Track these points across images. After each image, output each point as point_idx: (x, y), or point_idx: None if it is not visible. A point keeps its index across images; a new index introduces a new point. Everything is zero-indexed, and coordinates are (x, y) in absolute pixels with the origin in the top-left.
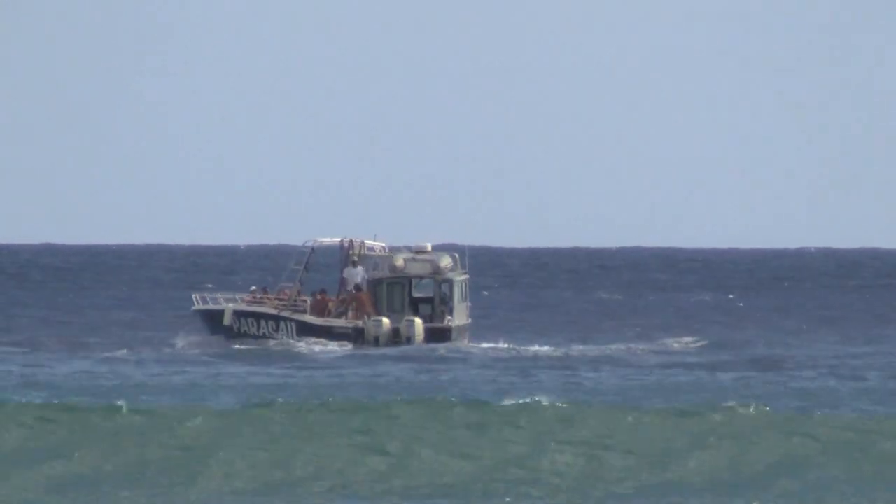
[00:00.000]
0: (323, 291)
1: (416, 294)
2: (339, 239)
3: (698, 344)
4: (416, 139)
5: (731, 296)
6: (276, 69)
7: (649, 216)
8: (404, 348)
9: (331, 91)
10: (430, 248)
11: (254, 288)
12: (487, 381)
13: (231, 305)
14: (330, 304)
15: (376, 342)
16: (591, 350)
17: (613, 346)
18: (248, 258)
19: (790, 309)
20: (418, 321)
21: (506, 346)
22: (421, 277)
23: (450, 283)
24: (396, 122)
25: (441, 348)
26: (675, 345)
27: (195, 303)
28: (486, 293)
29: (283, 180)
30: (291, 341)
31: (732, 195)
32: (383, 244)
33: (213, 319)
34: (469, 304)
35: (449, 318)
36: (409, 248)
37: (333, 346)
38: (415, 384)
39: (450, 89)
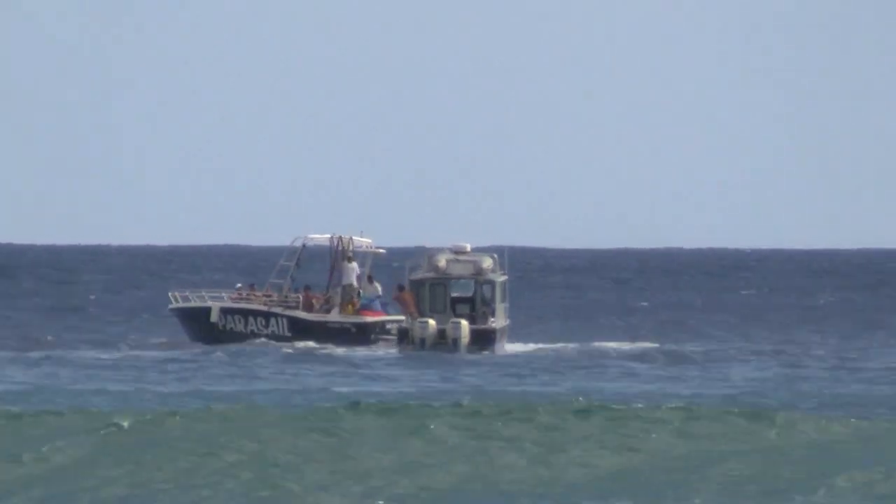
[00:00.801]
0: (307, 288)
1: (453, 294)
2: (328, 236)
3: None
4: (413, 139)
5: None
6: (272, 69)
7: (648, 217)
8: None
9: (326, 91)
10: (469, 249)
11: (239, 285)
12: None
13: (217, 303)
14: (315, 301)
15: (422, 344)
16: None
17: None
18: (217, 258)
19: None
20: (464, 323)
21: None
22: (463, 278)
23: (492, 283)
24: (389, 121)
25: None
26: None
27: (172, 301)
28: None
29: (267, 180)
30: (318, 344)
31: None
32: (370, 240)
33: (195, 318)
34: (507, 304)
35: (492, 319)
36: (449, 249)
37: (380, 350)
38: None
39: (449, 89)
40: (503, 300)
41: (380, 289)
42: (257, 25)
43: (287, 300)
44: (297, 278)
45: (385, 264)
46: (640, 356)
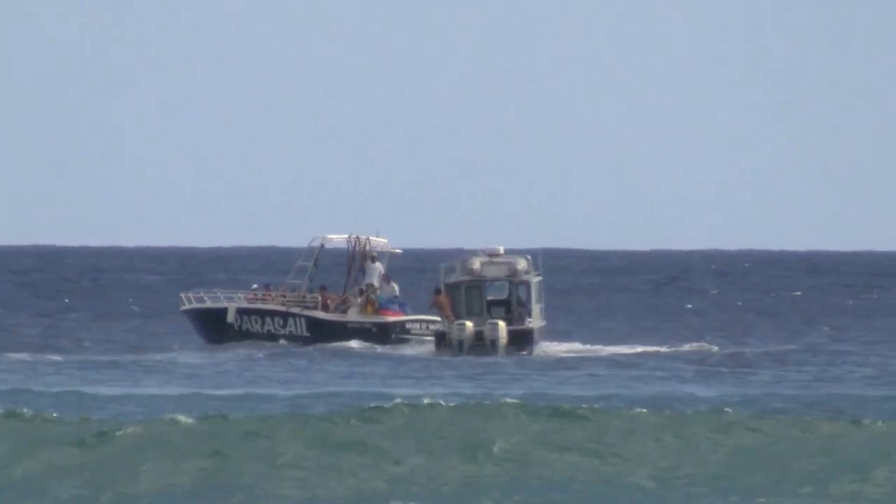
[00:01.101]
0: (323, 288)
1: (488, 297)
2: (346, 236)
3: None
4: (415, 139)
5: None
6: (273, 69)
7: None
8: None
9: (326, 90)
10: (502, 251)
11: (255, 286)
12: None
13: (233, 303)
14: (330, 301)
15: (460, 346)
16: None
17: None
18: (236, 259)
19: None
20: (502, 324)
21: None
22: (498, 280)
23: (527, 285)
24: (390, 121)
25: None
26: None
27: (184, 302)
28: None
29: (267, 181)
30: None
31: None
32: (386, 241)
33: (210, 318)
34: (542, 305)
35: (529, 319)
36: (482, 252)
37: (417, 351)
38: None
39: (449, 89)
40: (539, 301)
41: (397, 289)
42: (257, 25)
43: (305, 300)
44: (314, 278)
45: (399, 265)
46: (710, 359)
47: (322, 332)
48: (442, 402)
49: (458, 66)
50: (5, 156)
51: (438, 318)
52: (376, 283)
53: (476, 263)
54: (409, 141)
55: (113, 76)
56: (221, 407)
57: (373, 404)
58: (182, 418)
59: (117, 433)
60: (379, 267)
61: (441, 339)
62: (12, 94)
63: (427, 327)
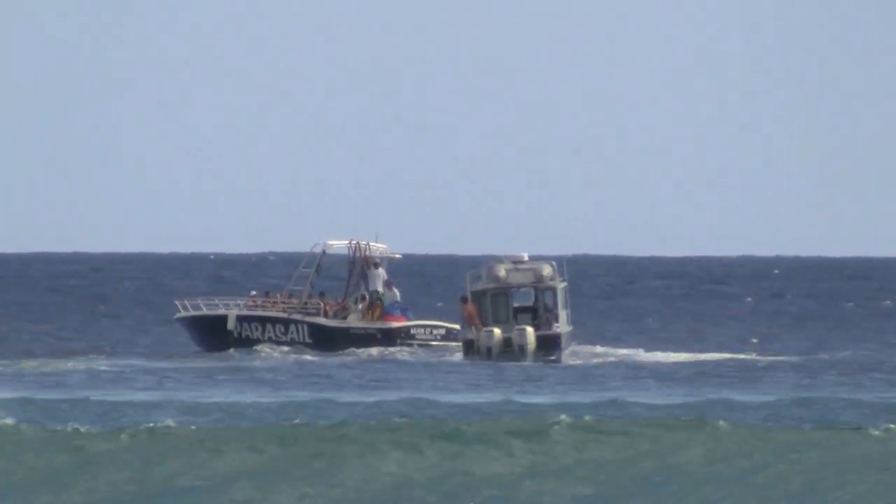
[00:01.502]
0: (322, 294)
1: (514, 304)
2: (346, 242)
3: None
4: (416, 140)
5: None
6: (272, 70)
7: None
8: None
9: (328, 92)
10: (527, 258)
11: (254, 293)
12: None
13: (233, 310)
14: (328, 308)
15: (488, 353)
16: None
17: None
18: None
19: None
20: (530, 329)
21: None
22: (523, 287)
23: (553, 290)
24: (393, 123)
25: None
26: None
27: (181, 310)
28: None
29: (267, 183)
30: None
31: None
32: (385, 246)
33: (209, 326)
34: (569, 311)
35: (556, 325)
36: (507, 259)
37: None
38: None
39: (451, 90)
40: (565, 307)
41: (398, 294)
42: (258, 25)
43: (307, 307)
44: (315, 285)
45: (397, 269)
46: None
47: (325, 338)
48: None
49: (461, 67)
50: (6, 157)
51: (445, 324)
52: (381, 288)
53: (501, 270)
54: (410, 143)
55: (113, 76)
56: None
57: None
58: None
59: None
60: (382, 273)
61: (469, 346)
62: (12, 94)
63: (431, 332)
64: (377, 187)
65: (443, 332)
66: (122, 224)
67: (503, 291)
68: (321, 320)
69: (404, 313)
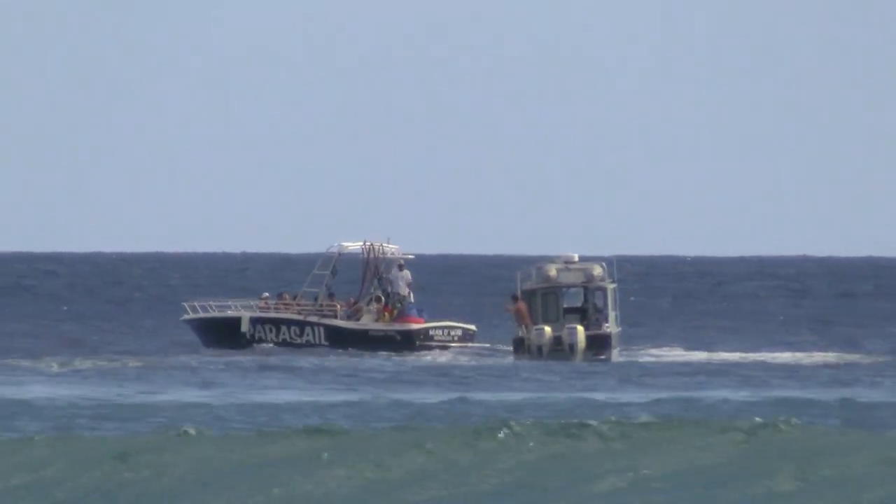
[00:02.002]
0: (331, 296)
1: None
2: (360, 244)
3: None
4: (410, 142)
5: None
6: (272, 71)
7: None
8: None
9: (328, 92)
10: (577, 258)
11: (266, 294)
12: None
13: (247, 312)
14: (339, 308)
15: (539, 351)
16: None
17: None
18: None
19: None
20: (580, 328)
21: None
22: (574, 286)
23: (603, 291)
24: (401, 122)
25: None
26: None
27: (188, 311)
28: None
29: (263, 186)
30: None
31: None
32: (397, 247)
33: (222, 327)
34: (617, 312)
35: (606, 325)
36: (559, 258)
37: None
38: None
39: (452, 89)
40: (614, 308)
41: (412, 296)
42: (258, 27)
43: (322, 309)
44: (331, 287)
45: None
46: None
47: (342, 341)
48: None
49: (462, 67)
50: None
51: (462, 325)
52: (404, 291)
53: (552, 270)
54: (418, 143)
55: (113, 76)
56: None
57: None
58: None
59: None
60: (407, 275)
61: (519, 344)
62: (12, 94)
63: (448, 333)
64: (386, 188)
65: (459, 332)
66: (129, 222)
67: (553, 291)
68: (338, 322)
69: (420, 314)
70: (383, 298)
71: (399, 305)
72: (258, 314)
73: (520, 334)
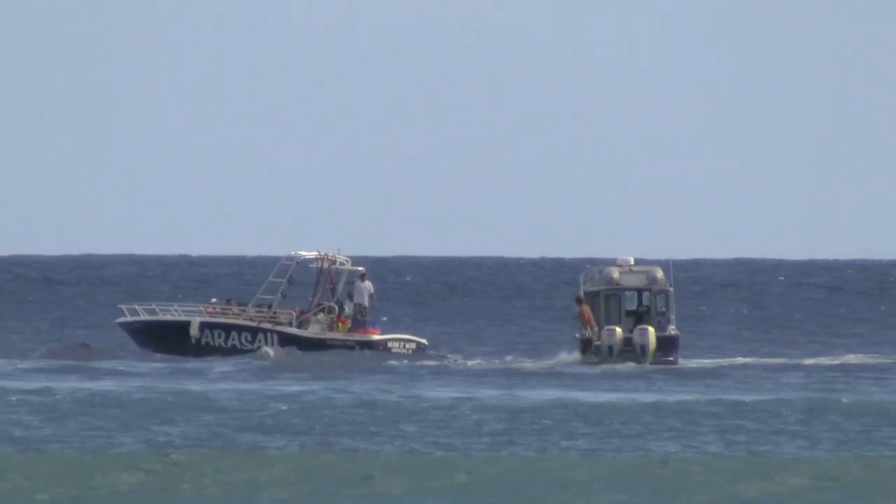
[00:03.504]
0: (270, 306)
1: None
2: (315, 253)
3: None
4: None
5: None
6: (269, 74)
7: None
8: None
9: (333, 95)
10: (632, 261)
11: (214, 300)
12: None
13: (197, 317)
14: (283, 318)
15: (609, 352)
16: None
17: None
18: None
19: None
20: (651, 329)
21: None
22: (637, 290)
23: (666, 294)
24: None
25: None
26: None
27: (126, 314)
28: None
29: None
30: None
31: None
32: (347, 258)
33: (168, 332)
34: (674, 316)
35: (671, 327)
36: (618, 262)
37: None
38: None
39: (444, 92)
40: (672, 311)
41: (368, 309)
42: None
43: (276, 316)
44: (287, 294)
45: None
46: None
47: (297, 349)
48: None
49: (458, 68)
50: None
51: (415, 338)
52: (366, 302)
53: (615, 273)
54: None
55: (113, 76)
56: None
57: None
58: None
59: None
60: (369, 286)
61: (587, 345)
62: (12, 95)
63: (404, 346)
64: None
65: (413, 346)
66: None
67: (616, 293)
68: (293, 330)
69: (374, 325)
70: (336, 308)
71: (361, 317)
72: (209, 319)
73: (587, 335)
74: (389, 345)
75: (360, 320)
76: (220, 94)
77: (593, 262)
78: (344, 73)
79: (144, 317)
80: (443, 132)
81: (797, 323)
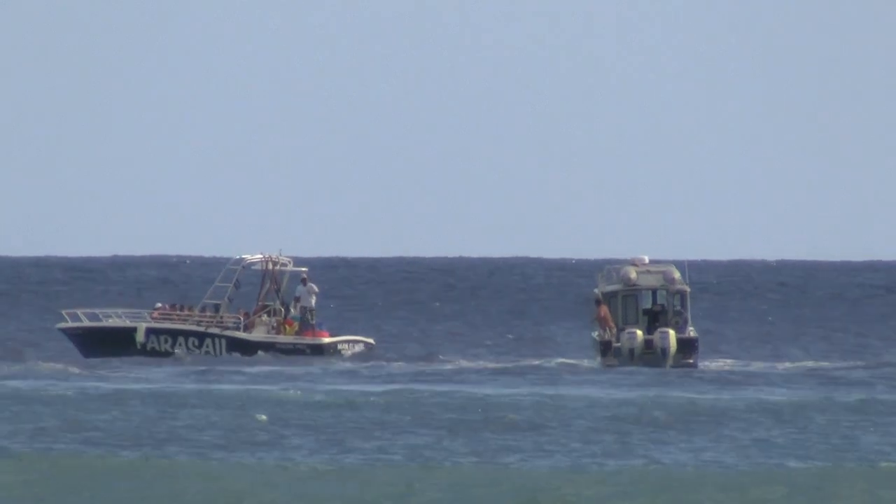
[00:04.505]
0: (216, 309)
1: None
2: (259, 256)
3: None
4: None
5: None
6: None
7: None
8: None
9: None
10: (647, 260)
11: (159, 305)
12: None
13: (143, 322)
14: (240, 320)
15: (630, 354)
16: None
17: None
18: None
19: None
20: (672, 332)
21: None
22: (654, 289)
23: (683, 294)
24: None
25: None
26: None
27: (68, 319)
28: None
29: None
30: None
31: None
32: (290, 259)
33: (113, 338)
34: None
35: (690, 328)
36: (633, 261)
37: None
38: None
39: (438, 94)
40: (688, 311)
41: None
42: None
43: (223, 320)
44: (234, 298)
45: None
46: None
47: (245, 353)
48: None
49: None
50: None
51: (363, 339)
52: (313, 304)
53: (632, 273)
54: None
55: (113, 76)
56: None
57: None
58: None
59: None
60: (313, 288)
61: (607, 347)
62: (12, 94)
63: (352, 347)
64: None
65: (361, 346)
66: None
67: (632, 293)
68: (241, 334)
69: (320, 328)
70: (282, 311)
71: (310, 319)
72: (155, 324)
73: (606, 337)
74: (339, 347)
75: (308, 323)
76: (220, 94)
77: (584, 262)
78: (344, 73)
79: (86, 322)
80: (443, 132)
81: (815, 326)
